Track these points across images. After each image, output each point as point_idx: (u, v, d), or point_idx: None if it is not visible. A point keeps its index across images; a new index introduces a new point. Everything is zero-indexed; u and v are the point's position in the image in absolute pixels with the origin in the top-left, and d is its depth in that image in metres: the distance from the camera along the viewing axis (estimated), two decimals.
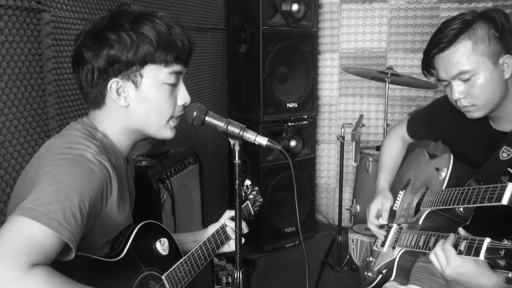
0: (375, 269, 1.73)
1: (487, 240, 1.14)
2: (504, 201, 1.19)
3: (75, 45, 1.19)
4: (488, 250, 1.13)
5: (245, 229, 1.56)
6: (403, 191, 1.81)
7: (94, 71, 1.15)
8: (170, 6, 2.78)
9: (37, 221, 0.93)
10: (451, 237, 1.25)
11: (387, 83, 2.73)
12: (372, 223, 1.76)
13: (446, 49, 1.37)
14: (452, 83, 1.40)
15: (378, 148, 3.36)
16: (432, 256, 1.28)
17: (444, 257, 1.24)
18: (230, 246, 1.55)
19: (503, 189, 1.21)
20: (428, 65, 1.47)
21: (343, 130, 2.93)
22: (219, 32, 3.51)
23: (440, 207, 1.48)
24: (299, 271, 3.04)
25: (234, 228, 1.53)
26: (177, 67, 1.20)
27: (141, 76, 1.17)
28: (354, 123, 2.91)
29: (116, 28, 1.13)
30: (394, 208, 1.78)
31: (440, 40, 1.38)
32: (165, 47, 1.16)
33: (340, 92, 3.95)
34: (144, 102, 1.19)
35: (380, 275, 1.67)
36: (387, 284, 1.63)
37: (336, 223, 3.14)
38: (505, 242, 1.11)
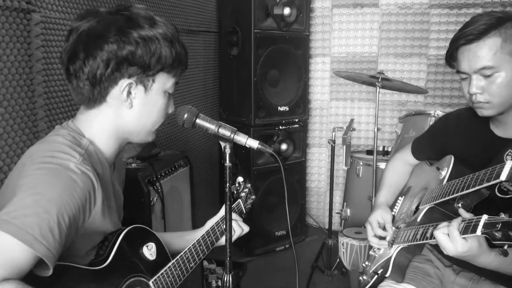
0: (371, 271, 1.73)
1: (485, 217, 1.15)
2: (503, 177, 1.21)
3: (91, 33, 1.10)
4: (485, 225, 1.14)
5: (245, 228, 1.56)
6: (403, 197, 1.81)
7: (109, 65, 1.10)
8: (162, 8, 2.78)
9: (11, 235, 0.90)
10: (458, 219, 1.26)
11: (378, 88, 2.74)
12: (374, 236, 1.71)
13: (475, 41, 1.35)
14: (472, 76, 1.38)
15: (368, 152, 3.38)
16: (439, 235, 1.28)
17: (449, 239, 1.24)
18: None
19: (502, 166, 1.22)
20: (451, 55, 1.46)
21: (334, 134, 2.94)
22: (210, 34, 3.50)
23: (440, 200, 1.48)
24: (289, 275, 3.04)
25: (238, 222, 1.55)
26: (178, 78, 1.22)
27: (153, 81, 1.17)
28: (345, 127, 2.93)
29: (138, 28, 1.11)
30: (393, 213, 1.78)
31: (470, 31, 1.36)
32: (180, 60, 1.19)
33: (331, 96, 3.96)
34: (148, 106, 1.18)
35: (376, 276, 1.67)
36: (382, 284, 1.63)
37: (327, 226, 3.15)
38: (502, 215, 1.13)
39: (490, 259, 1.25)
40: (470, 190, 1.35)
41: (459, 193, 1.40)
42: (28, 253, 0.91)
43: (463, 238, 1.21)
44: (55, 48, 1.83)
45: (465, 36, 1.37)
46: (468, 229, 1.19)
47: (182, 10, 3.04)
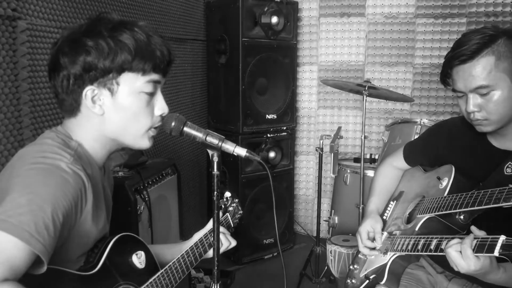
0: (361, 275, 1.72)
1: (502, 238, 1.16)
2: None
3: (52, 51, 1.17)
4: (503, 246, 1.15)
5: (232, 242, 1.56)
6: (395, 201, 1.80)
7: (69, 77, 1.12)
8: (150, 16, 2.77)
9: (7, 232, 0.91)
10: (470, 237, 1.26)
11: (365, 96, 2.76)
12: (364, 246, 1.71)
13: (468, 61, 1.36)
14: (469, 95, 1.39)
15: (355, 160, 3.40)
16: (451, 253, 1.28)
17: (461, 257, 1.25)
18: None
19: None
20: (445, 75, 1.46)
21: (321, 141, 2.96)
22: (198, 43, 3.51)
23: (444, 212, 1.47)
24: (277, 283, 3.02)
25: (226, 236, 1.54)
26: (154, 76, 1.18)
27: (117, 84, 1.14)
28: (332, 135, 2.94)
29: (94, 35, 1.12)
30: (384, 217, 1.78)
31: (463, 52, 1.36)
32: (143, 56, 1.14)
33: (319, 104, 3.98)
34: (120, 110, 1.16)
35: (367, 281, 1.67)
36: None
37: (314, 234, 3.16)
38: None
39: (498, 276, 1.27)
40: (482, 207, 1.33)
41: (468, 209, 1.38)
42: (25, 250, 0.92)
43: (476, 256, 1.22)
44: (41, 55, 1.81)
45: (459, 56, 1.38)
46: (482, 247, 1.20)
47: (170, 18, 3.04)
